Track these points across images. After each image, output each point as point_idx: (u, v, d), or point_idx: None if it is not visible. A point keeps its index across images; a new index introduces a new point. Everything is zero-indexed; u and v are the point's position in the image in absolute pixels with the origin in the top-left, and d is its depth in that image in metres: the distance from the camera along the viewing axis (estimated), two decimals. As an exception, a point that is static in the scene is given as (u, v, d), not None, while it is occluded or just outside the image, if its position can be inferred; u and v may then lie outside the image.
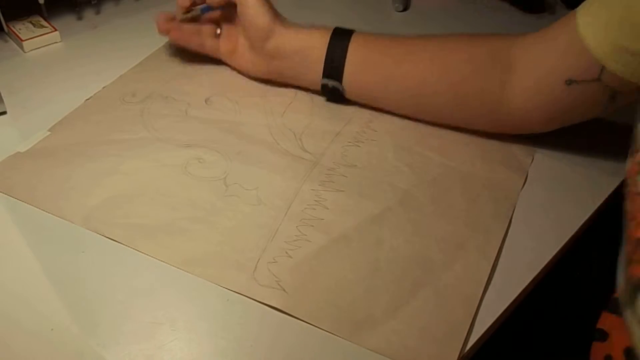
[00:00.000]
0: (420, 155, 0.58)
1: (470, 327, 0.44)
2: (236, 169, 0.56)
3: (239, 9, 0.62)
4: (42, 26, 0.72)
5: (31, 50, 0.70)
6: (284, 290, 0.46)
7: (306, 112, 0.63)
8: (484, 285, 0.47)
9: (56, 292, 0.46)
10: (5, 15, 0.71)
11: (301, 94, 0.66)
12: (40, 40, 0.71)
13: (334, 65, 0.60)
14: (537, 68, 0.54)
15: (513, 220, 0.53)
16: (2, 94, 0.62)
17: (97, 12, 0.78)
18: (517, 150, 0.59)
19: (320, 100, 0.65)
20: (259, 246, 0.49)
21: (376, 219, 0.52)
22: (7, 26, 0.71)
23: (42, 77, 0.67)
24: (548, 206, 0.54)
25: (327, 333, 0.44)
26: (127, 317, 0.44)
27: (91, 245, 0.49)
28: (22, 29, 0.71)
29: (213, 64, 0.69)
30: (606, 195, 0.55)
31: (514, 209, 0.54)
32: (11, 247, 0.49)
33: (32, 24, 0.72)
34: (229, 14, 0.65)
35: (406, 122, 0.62)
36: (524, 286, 0.47)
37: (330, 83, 0.61)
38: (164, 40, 0.72)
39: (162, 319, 0.44)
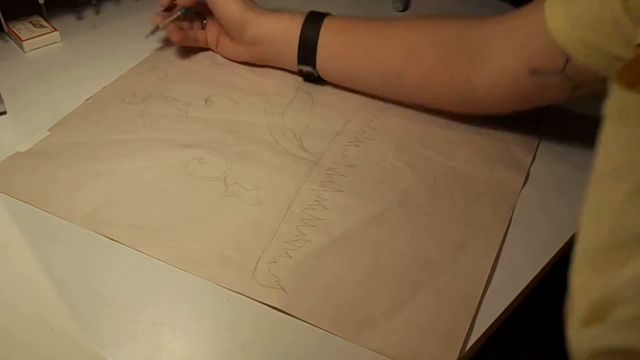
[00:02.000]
0: (420, 155, 0.58)
1: (470, 327, 0.44)
2: (236, 169, 0.56)
3: (209, 6, 0.64)
4: (42, 26, 0.72)
5: (31, 50, 0.70)
6: (284, 290, 0.46)
7: (306, 111, 0.63)
8: (484, 285, 0.47)
9: (56, 292, 0.46)
10: (5, 15, 0.71)
11: (301, 93, 0.66)
12: (40, 40, 0.71)
13: (306, 53, 0.62)
14: (501, 56, 0.54)
15: (513, 220, 0.53)
16: (2, 94, 0.62)
17: (97, 12, 0.78)
18: (517, 150, 0.59)
19: (320, 99, 0.65)
20: (259, 246, 0.49)
21: (376, 219, 0.52)
22: (7, 26, 0.71)
23: (42, 77, 0.67)
24: (548, 206, 0.54)
25: (327, 333, 0.44)
26: (127, 317, 0.44)
27: (91, 245, 0.49)
28: (22, 29, 0.71)
29: (213, 64, 0.69)
30: (606, 195, 0.55)
31: (514, 209, 0.54)
32: (11, 247, 0.49)
33: (32, 24, 0.72)
34: (208, 7, 0.66)
35: (406, 121, 0.62)
36: (524, 286, 0.47)
37: (305, 69, 0.64)
38: (163, 40, 0.72)
39: (162, 319, 0.44)
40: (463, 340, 0.43)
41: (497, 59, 0.54)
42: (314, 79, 0.65)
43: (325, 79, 0.65)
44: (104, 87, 0.65)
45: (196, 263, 0.48)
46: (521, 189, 0.56)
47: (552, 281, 0.53)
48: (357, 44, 0.61)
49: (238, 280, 0.46)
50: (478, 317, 0.45)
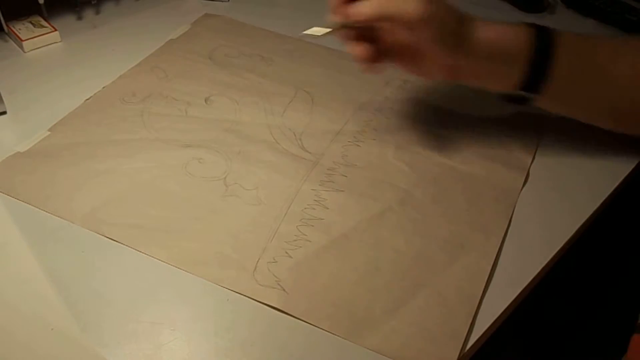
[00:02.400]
0: (420, 154, 0.58)
1: (470, 327, 0.44)
2: (236, 169, 0.56)
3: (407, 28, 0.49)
4: (42, 26, 0.72)
5: (31, 50, 0.70)
6: (284, 290, 0.46)
7: (306, 111, 0.63)
8: (484, 286, 0.47)
9: (56, 292, 0.46)
10: (5, 15, 0.71)
11: (301, 93, 0.66)
12: (40, 40, 0.71)
13: (535, 74, 0.52)
14: None
15: (513, 219, 0.53)
16: (2, 94, 0.62)
17: (97, 12, 0.78)
18: (517, 150, 0.59)
19: (320, 99, 0.65)
20: (259, 246, 0.49)
21: (376, 218, 0.52)
22: (7, 26, 0.71)
23: (42, 77, 0.67)
24: (548, 205, 0.54)
25: (327, 333, 0.44)
26: (127, 317, 0.44)
27: (91, 245, 0.49)
28: (22, 29, 0.71)
29: (213, 63, 0.69)
30: (606, 195, 0.55)
31: (514, 209, 0.54)
32: (11, 247, 0.49)
33: (32, 24, 0.72)
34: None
35: (406, 121, 0.62)
36: (524, 286, 0.47)
37: (525, 94, 0.54)
38: (163, 40, 0.72)
39: (162, 319, 0.44)
40: (463, 340, 0.43)
41: None
42: (518, 101, 0.55)
43: (544, 106, 0.55)
44: (104, 87, 0.65)
45: (196, 263, 0.48)
46: (521, 188, 0.56)
47: (552, 281, 0.53)
48: (598, 62, 0.52)
49: (238, 280, 0.46)
50: (478, 317, 0.45)
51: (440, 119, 0.63)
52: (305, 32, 0.51)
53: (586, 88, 0.53)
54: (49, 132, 0.59)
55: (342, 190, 0.54)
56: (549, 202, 0.55)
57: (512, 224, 0.52)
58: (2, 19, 0.71)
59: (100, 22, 0.76)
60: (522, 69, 0.52)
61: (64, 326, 0.43)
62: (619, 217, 0.69)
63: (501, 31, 0.51)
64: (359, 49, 0.51)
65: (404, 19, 0.47)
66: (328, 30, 0.51)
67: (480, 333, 0.44)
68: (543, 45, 0.51)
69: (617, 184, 0.56)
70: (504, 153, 0.59)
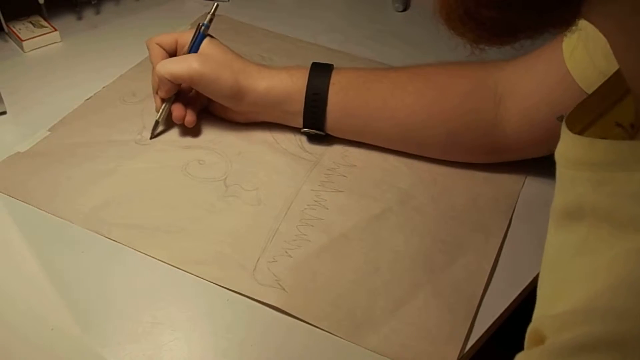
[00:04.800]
0: (420, 155, 0.58)
1: (470, 327, 0.44)
2: (236, 170, 0.56)
3: (199, 90, 0.57)
4: (42, 26, 0.72)
5: (31, 50, 0.70)
6: (284, 289, 0.46)
7: (306, 112, 0.63)
8: (483, 286, 0.47)
9: (56, 292, 0.46)
10: (5, 15, 0.71)
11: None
12: (40, 40, 0.71)
13: (314, 114, 0.57)
14: (527, 104, 0.52)
15: (513, 219, 0.53)
16: (2, 94, 0.61)
17: (97, 12, 0.78)
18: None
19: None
20: (259, 246, 0.49)
21: (376, 219, 0.52)
22: (7, 26, 0.71)
23: (42, 77, 0.67)
24: (548, 205, 0.54)
25: (327, 333, 0.44)
26: (127, 317, 0.44)
27: (91, 245, 0.49)
28: (22, 29, 0.71)
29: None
30: (606, 195, 0.55)
31: (514, 209, 0.54)
32: (11, 247, 0.49)
33: (32, 24, 0.72)
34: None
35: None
36: (524, 286, 0.47)
37: (312, 131, 0.58)
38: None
39: (162, 319, 0.44)
40: (463, 340, 0.43)
41: (522, 108, 0.52)
42: (321, 138, 0.59)
43: (335, 135, 0.59)
44: (104, 87, 0.65)
45: (196, 263, 0.48)
46: (521, 188, 0.56)
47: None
48: (372, 100, 0.56)
49: (238, 279, 0.46)
50: (478, 317, 0.45)
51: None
52: (153, 135, 0.59)
53: (371, 121, 0.56)
54: (49, 132, 0.59)
55: (342, 191, 0.54)
56: (548, 202, 0.55)
57: (512, 224, 0.52)
58: (2, 19, 0.71)
59: (100, 22, 0.76)
60: (300, 110, 0.56)
61: (64, 326, 0.43)
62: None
63: (278, 80, 0.56)
64: (176, 112, 0.58)
65: (183, 77, 0.55)
66: (161, 111, 0.58)
67: (481, 333, 0.44)
68: (317, 88, 0.56)
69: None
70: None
